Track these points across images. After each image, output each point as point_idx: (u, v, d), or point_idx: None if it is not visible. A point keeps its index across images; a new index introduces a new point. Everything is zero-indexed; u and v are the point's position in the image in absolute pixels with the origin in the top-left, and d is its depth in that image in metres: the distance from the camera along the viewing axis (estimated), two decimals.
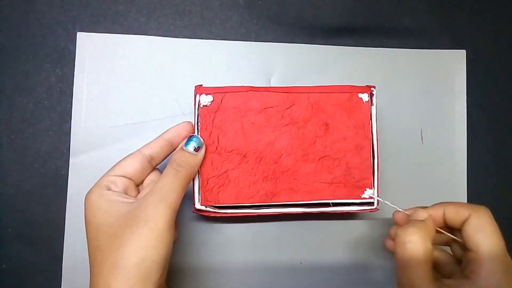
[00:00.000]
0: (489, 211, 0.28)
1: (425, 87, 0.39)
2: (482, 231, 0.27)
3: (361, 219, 0.38)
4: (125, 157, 0.30)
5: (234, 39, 0.38)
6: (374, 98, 0.33)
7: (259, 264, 0.37)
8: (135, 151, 0.30)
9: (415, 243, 0.26)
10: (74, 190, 0.36)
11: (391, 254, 0.32)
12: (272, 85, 0.38)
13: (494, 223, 0.28)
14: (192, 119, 0.38)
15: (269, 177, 0.32)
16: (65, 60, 0.37)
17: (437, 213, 0.29)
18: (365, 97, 0.33)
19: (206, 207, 0.31)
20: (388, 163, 0.38)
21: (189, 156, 0.29)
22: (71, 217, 0.35)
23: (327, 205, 0.32)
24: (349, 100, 0.33)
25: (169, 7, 0.38)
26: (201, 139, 0.30)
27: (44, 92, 0.37)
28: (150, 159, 0.30)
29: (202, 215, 0.32)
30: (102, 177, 0.29)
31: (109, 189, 0.28)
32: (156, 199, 0.26)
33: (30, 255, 0.36)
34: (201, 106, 0.32)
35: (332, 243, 0.37)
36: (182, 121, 0.32)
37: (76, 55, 0.37)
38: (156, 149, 0.30)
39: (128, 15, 0.38)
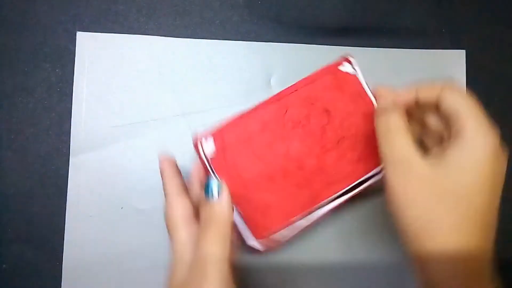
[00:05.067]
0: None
1: None
2: (458, 97, 0.27)
3: (362, 219, 0.38)
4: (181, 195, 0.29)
5: (234, 39, 0.38)
6: (356, 67, 0.33)
7: (260, 265, 0.37)
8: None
9: (392, 119, 0.27)
10: (74, 190, 0.36)
11: None
12: (272, 85, 0.38)
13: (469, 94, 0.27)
14: (192, 118, 0.38)
15: (302, 183, 0.31)
16: (65, 60, 0.37)
17: (410, 96, 0.29)
18: (348, 68, 0.33)
19: (263, 240, 0.31)
20: None
21: (213, 208, 0.27)
22: (71, 217, 0.35)
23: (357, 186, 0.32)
24: (335, 79, 0.32)
25: (169, 7, 0.38)
26: (217, 181, 0.28)
27: (44, 92, 0.37)
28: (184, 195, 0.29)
29: (267, 250, 0.32)
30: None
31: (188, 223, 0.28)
32: (205, 275, 0.24)
33: (30, 255, 0.36)
34: (210, 158, 0.31)
35: (333, 244, 0.37)
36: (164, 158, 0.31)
37: (76, 55, 0.37)
38: (178, 187, 0.30)
39: (128, 15, 0.38)
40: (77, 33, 0.37)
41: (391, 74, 0.39)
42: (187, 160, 0.37)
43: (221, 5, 0.38)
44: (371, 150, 0.31)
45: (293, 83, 0.33)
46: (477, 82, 0.40)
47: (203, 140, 0.31)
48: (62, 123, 0.36)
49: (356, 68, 0.33)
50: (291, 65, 0.38)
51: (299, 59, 0.38)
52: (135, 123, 0.37)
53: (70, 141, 0.36)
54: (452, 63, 0.40)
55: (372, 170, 0.31)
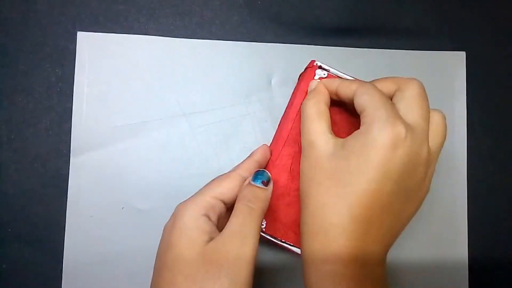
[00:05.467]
0: (418, 85, 0.28)
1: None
2: (365, 95, 0.27)
3: None
4: (222, 176, 0.30)
5: (234, 39, 0.38)
6: (324, 65, 0.33)
7: (259, 265, 0.37)
8: (231, 172, 0.30)
9: (308, 105, 0.29)
10: (75, 190, 0.36)
11: None
12: (273, 85, 0.38)
13: (419, 98, 0.27)
14: (192, 118, 0.38)
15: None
16: (65, 60, 0.37)
17: (332, 88, 0.30)
18: (321, 73, 0.33)
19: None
20: None
21: (259, 191, 0.28)
22: (71, 217, 0.35)
23: None
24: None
25: (169, 7, 0.38)
26: (269, 174, 0.30)
27: (44, 92, 0.36)
28: (244, 181, 0.30)
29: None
30: (200, 194, 0.28)
31: (206, 215, 0.27)
32: (236, 244, 0.25)
33: (30, 255, 0.36)
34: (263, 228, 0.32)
35: None
36: (262, 144, 0.33)
37: (77, 55, 0.37)
38: (249, 171, 0.30)
39: (128, 15, 0.37)
40: (77, 33, 0.37)
41: (391, 76, 0.39)
42: (187, 160, 0.37)
43: (221, 5, 0.38)
44: None
45: (284, 111, 0.33)
46: (477, 84, 0.40)
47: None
48: (62, 123, 0.36)
49: (325, 66, 0.33)
50: (291, 65, 0.38)
51: (299, 59, 0.38)
52: (136, 123, 0.37)
53: (70, 141, 0.36)
54: (452, 65, 0.40)
55: None
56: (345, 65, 0.39)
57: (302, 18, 0.39)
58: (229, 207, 0.29)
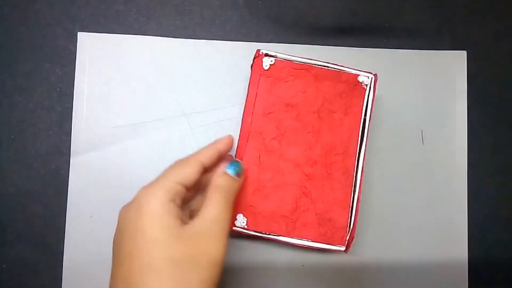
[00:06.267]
0: None
1: (426, 88, 0.39)
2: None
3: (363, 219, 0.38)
4: (183, 162, 0.30)
5: (234, 39, 0.38)
6: (271, 52, 0.33)
7: (260, 265, 0.37)
8: (190, 157, 0.30)
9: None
10: (75, 190, 0.36)
11: None
12: None
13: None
14: (192, 118, 0.38)
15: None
16: (65, 60, 0.37)
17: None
18: (270, 61, 0.33)
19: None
20: (389, 164, 0.38)
21: (234, 181, 0.30)
22: (71, 217, 0.35)
23: None
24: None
25: (169, 7, 0.38)
26: (242, 165, 0.31)
27: (44, 92, 0.37)
28: (203, 168, 0.30)
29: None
30: (164, 179, 0.28)
31: (173, 201, 0.27)
32: (216, 230, 0.27)
33: (30, 255, 0.36)
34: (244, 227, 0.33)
35: None
36: (228, 135, 0.33)
37: (77, 55, 0.37)
38: (210, 159, 0.30)
39: (128, 15, 0.38)
40: (78, 33, 0.37)
41: (391, 75, 0.39)
42: None
43: (221, 5, 0.38)
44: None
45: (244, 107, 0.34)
46: (477, 83, 0.40)
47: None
48: (62, 123, 0.36)
49: (272, 53, 0.33)
50: None
51: None
52: (136, 123, 0.37)
53: (70, 141, 0.36)
54: (453, 64, 0.40)
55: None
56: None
57: (302, 18, 0.39)
58: (188, 192, 0.29)
